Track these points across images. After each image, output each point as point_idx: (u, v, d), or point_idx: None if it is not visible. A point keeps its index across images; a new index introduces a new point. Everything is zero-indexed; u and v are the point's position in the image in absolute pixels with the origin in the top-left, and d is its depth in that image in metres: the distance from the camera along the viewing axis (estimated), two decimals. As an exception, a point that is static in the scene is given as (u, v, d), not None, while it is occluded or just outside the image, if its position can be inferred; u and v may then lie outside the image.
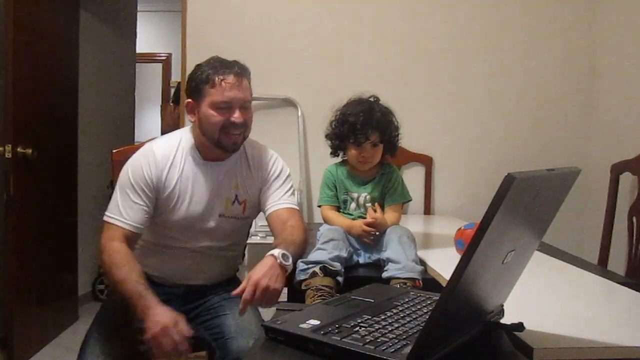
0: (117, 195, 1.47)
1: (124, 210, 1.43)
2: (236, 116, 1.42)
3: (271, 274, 1.25)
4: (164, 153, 1.49)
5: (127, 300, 1.29)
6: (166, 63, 6.13)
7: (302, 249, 1.42)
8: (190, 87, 1.48)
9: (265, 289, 1.21)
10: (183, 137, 1.53)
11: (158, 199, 1.48)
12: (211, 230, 1.52)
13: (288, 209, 1.53)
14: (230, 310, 1.47)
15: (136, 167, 1.46)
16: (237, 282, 1.58)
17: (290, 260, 1.32)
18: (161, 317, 1.24)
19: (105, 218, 1.45)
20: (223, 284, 1.61)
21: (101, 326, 1.44)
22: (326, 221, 1.59)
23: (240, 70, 1.44)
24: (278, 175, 1.58)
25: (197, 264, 1.56)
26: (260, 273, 1.23)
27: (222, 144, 1.46)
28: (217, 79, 1.41)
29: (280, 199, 1.55)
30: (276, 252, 1.30)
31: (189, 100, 1.49)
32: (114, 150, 1.94)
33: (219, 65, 1.44)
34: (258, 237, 2.28)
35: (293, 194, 1.61)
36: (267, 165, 1.58)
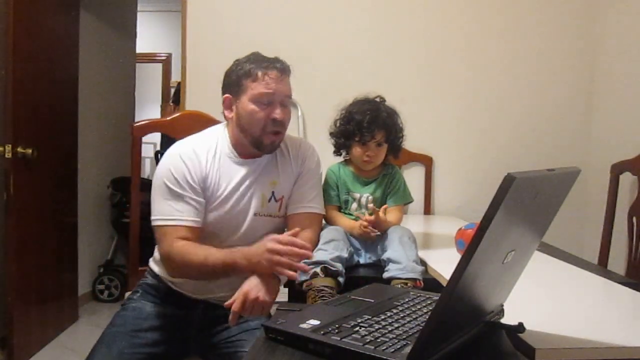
0: (164, 197, 1.37)
1: (178, 209, 1.36)
2: (277, 112, 1.39)
3: (262, 286, 1.23)
4: (201, 150, 1.42)
5: (225, 272, 1.30)
6: (166, 63, 6.14)
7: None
8: (229, 81, 1.44)
9: (254, 300, 1.20)
10: (220, 136, 1.47)
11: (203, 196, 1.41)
12: (242, 233, 1.44)
13: (311, 214, 1.48)
14: (248, 346, 1.35)
15: (179, 167, 1.38)
16: None
17: None
18: (260, 245, 1.24)
19: (156, 223, 1.37)
20: None
21: (118, 328, 1.41)
22: (329, 221, 1.59)
23: (283, 67, 1.42)
24: (313, 171, 1.53)
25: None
26: (252, 284, 1.22)
27: (262, 142, 1.41)
28: (260, 72, 1.39)
29: (309, 201, 1.49)
30: None
31: (227, 95, 1.45)
32: (135, 124, 1.85)
33: (262, 59, 1.42)
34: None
35: (320, 194, 1.55)
36: (305, 156, 1.52)
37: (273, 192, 1.47)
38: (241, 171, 1.45)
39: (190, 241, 1.35)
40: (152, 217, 1.38)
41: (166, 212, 1.36)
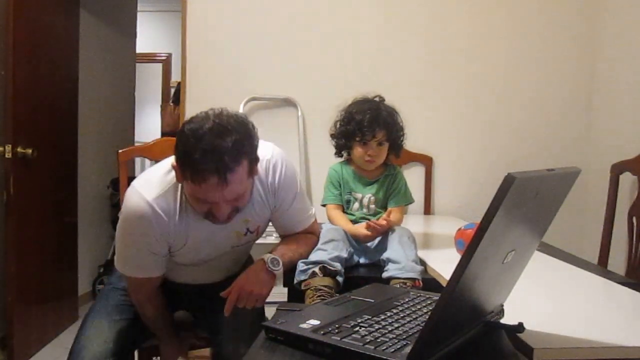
0: (126, 252, 1.35)
1: (141, 266, 1.35)
2: (220, 215, 1.21)
3: (257, 279, 1.27)
4: (165, 209, 1.26)
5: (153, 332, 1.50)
6: (166, 63, 6.14)
7: (300, 258, 1.38)
8: (176, 154, 1.18)
9: (249, 293, 1.24)
10: (180, 186, 1.28)
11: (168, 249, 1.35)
12: (223, 255, 1.46)
13: (306, 228, 1.50)
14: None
15: (139, 231, 1.27)
16: None
17: (280, 265, 1.32)
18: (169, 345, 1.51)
19: (121, 270, 1.38)
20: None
21: (101, 306, 1.48)
22: (331, 220, 1.58)
23: (227, 166, 1.12)
24: (289, 196, 1.41)
25: (211, 274, 1.53)
26: (247, 278, 1.27)
27: (212, 221, 1.26)
28: (196, 179, 1.13)
29: (294, 224, 1.47)
30: (267, 257, 1.32)
31: (175, 163, 1.20)
32: (120, 151, 1.93)
33: (198, 166, 1.11)
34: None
35: (306, 205, 1.49)
36: (276, 184, 1.37)
37: (247, 228, 1.41)
38: (208, 223, 1.28)
39: (154, 287, 1.41)
40: (117, 260, 1.37)
41: (131, 266, 1.36)
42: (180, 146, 1.15)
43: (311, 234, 1.49)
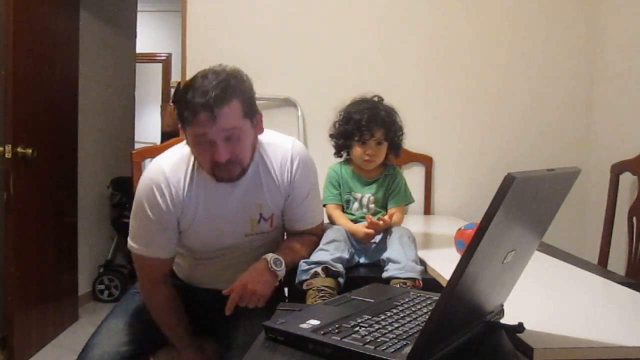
0: (140, 226, 1.36)
1: (153, 242, 1.35)
2: (217, 154, 1.24)
3: (259, 278, 1.27)
4: (177, 177, 1.33)
5: (164, 333, 1.41)
6: (166, 63, 6.14)
7: (302, 259, 1.38)
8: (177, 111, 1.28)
9: (251, 292, 1.24)
10: (193, 157, 1.35)
11: (179, 224, 1.37)
12: (238, 247, 1.45)
13: (312, 228, 1.49)
14: (245, 322, 1.34)
15: (150, 198, 1.32)
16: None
17: (283, 266, 1.32)
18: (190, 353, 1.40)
19: (131, 248, 1.37)
20: None
21: (121, 308, 1.48)
22: (331, 220, 1.59)
23: (216, 102, 1.19)
24: (302, 190, 1.43)
25: (225, 274, 1.43)
26: (250, 276, 1.27)
27: (216, 177, 1.31)
28: (188, 115, 1.21)
29: (303, 222, 1.48)
30: (269, 256, 1.32)
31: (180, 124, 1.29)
32: (133, 151, 1.92)
33: (190, 99, 1.20)
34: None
35: (318, 205, 1.51)
36: (293, 173, 1.40)
37: (261, 214, 1.41)
38: (221, 195, 1.36)
39: (165, 274, 1.41)
40: (129, 238, 1.38)
41: (140, 241, 1.36)
42: (178, 94, 1.24)
43: (314, 236, 1.49)
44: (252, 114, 1.29)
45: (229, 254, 1.46)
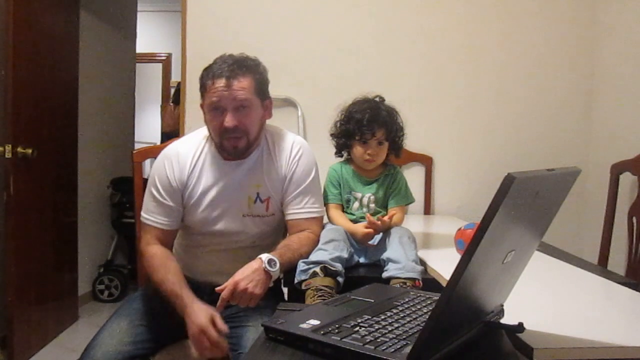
0: (147, 196, 1.52)
1: (155, 211, 1.49)
2: (226, 120, 1.40)
3: (253, 277, 1.28)
4: (186, 152, 1.50)
5: (169, 300, 1.37)
6: (166, 63, 6.14)
7: (300, 258, 1.39)
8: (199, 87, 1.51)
9: (243, 291, 1.25)
10: (207, 137, 1.53)
11: (182, 198, 1.50)
12: (236, 231, 1.51)
13: (310, 218, 1.52)
14: (253, 322, 1.41)
15: (160, 169, 1.50)
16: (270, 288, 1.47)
17: (277, 267, 1.32)
18: (197, 316, 1.28)
19: (141, 218, 1.52)
20: None
21: (124, 309, 1.50)
22: (330, 220, 1.59)
23: (234, 72, 1.40)
24: (304, 173, 1.53)
25: (223, 264, 1.51)
26: (243, 275, 1.27)
27: (223, 148, 1.46)
28: (209, 82, 1.41)
29: (301, 207, 1.51)
30: (264, 256, 1.32)
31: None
32: (134, 151, 1.94)
33: (213, 68, 1.43)
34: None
35: (317, 195, 1.56)
36: (294, 158, 1.53)
37: (258, 194, 1.50)
38: (225, 173, 1.50)
39: (163, 245, 1.49)
40: (142, 210, 1.53)
41: (148, 211, 1.51)
42: (206, 67, 1.45)
43: (313, 234, 1.49)
44: (263, 95, 1.48)
45: (226, 240, 1.51)
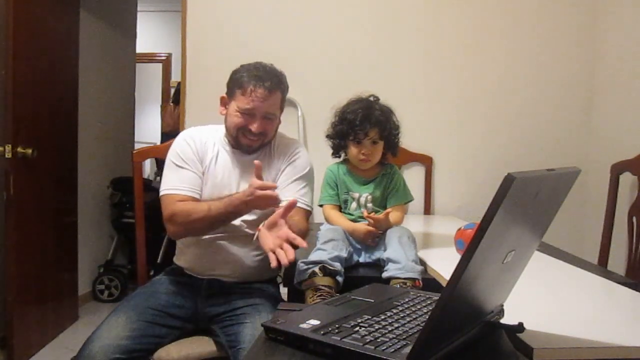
0: (167, 170, 1.60)
1: (178, 180, 1.56)
2: (255, 125, 1.53)
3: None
4: (202, 135, 1.64)
5: (227, 217, 1.47)
6: (166, 63, 6.14)
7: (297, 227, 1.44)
8: (229, 83, 1.59)
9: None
10: (219, 128, 1.66)
11: (201, 168, 1.60)
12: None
13: (300, 208, 1.56)
14: (251, 319, 1.44)
15: (181, 144, 1.61)
16: (267, 287, 1.63)
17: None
18: (245, 190, 1.41)
19: (161, 194, 1.57)
20: (251, 284, 1.61)
21: (123, 305, 1.52)
22: (328, 221, 1.58)
23: (272, 85, 1.52)
24: (295, 167, 1.63)
25: (222, 253, 1.59)
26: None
27: (238, 142, 1.59)
28: (249, 88, 1.51)
29: (296, 192, 1.59)
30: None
31: (225, 95, 1.62)
32: (134, 151, 1.96)
33: (256, 74, 1.52)
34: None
35: (308, 193, 1.64)
36: (288, 154, 1.65)
37: None
38: (232, 161, 1.63)
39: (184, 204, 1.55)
40: (160, 191, 1.58)
41: (169, 183, 1.56)
42: (238, 72, 1.56)
43: (301, 226, 1.53)
44: (282, 108, 1.63)
45: (230, 227, 1.56)
